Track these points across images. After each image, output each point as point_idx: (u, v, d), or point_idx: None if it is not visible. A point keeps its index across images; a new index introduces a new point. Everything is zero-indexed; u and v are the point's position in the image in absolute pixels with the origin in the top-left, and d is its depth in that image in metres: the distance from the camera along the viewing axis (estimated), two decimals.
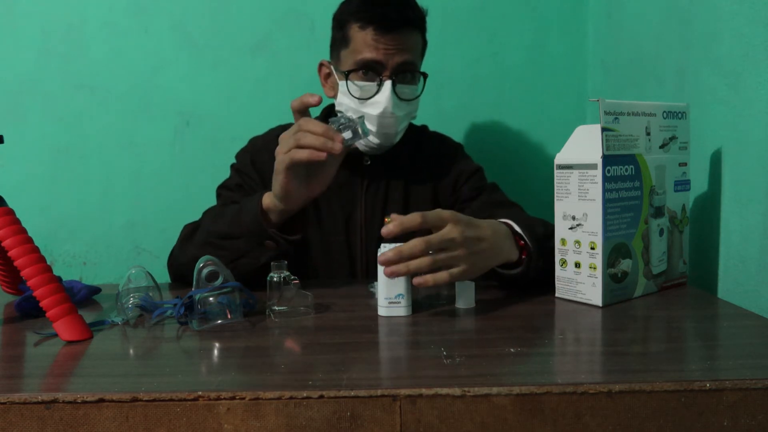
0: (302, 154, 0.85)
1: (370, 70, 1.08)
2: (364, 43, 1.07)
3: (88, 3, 1.45)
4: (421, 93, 1.14)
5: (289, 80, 1.48)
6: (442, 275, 0.79)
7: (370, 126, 1.09)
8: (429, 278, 0.79)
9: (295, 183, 0.90)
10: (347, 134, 0.84)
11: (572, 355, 0.67)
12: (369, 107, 1.08)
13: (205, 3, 1.46)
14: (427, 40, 1.17)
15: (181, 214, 1.45)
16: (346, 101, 1.11)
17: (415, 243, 0.78)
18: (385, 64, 1.07)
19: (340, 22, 1.12)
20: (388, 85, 1.07)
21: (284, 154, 0.88)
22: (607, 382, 0.56)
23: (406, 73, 1.10)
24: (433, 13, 1.46)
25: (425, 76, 1.14)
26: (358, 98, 1.09)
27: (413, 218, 0.79)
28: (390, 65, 1.07)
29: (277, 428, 0.55)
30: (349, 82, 1.09)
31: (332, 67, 1.15)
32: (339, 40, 1.12)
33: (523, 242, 0.90)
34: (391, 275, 0.78)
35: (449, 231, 0.80)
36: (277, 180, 0.90)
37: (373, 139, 1.11)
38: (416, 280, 0.79)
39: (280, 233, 0.95)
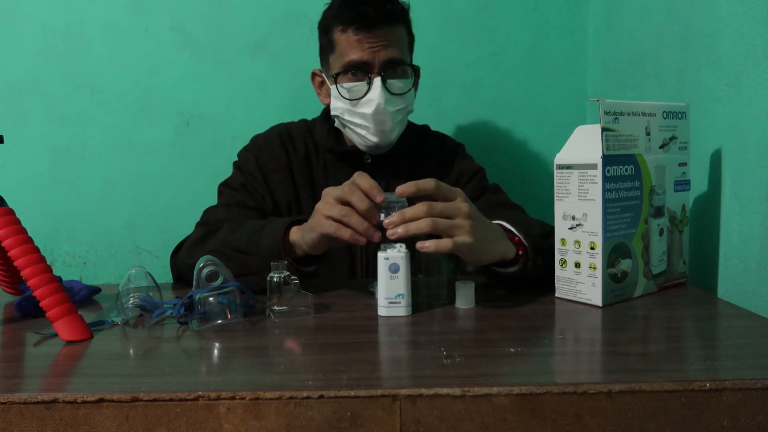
0: (345, 235, 0.82)
1: (359, 70, 1.08)
2: (348, 44, 1.08)
3: (88, 3, 1.44)
4: (414, 86, 1.14)
5: (289, 80, 1.48)
6: (445, 242, 0.79)
7: (366, 123, 1.09)
8: (430, 244, 0.78)
9: (326, 241, 0.88)
10: (381, 216, 0.83)
11: (572, 355, 0.67)
12: (362, 107, 1.08)
13: (205, 3, 1.46)
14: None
15: (181, 214, 1.47)
16: (339, 105, 1.11)
17: (419, 206, 0.79)
18: (372, 62, 1.07)
19: (324, 29, 1.13)
20: (377, 82, 1.07)
21: (326, 218, 0.84)
22: (607, 382, 0.56)
23: (395, 68, 1.09)
24: (433, 13, 1.47)
25: (415, 68, 1.14)
26: (350, 99, 1.09)
27: (428, 182, 0.80)
28: (377, 62, 1.07)
29: (277, 428, 0.55)
30: (339, 85, 1.09)
31: (324, 75, 1.16)
32: (326, 46, 1.13)
33: (517, 238, 0.90)
34: (391, 236, 0.79)
35: (458, 202, 0.81)
36: (310, 236, 0.87)
37: (370, 137, 1.11)
38: (418, 245, 0.79)
39: (296, 264, 0.93)
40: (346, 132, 1.15)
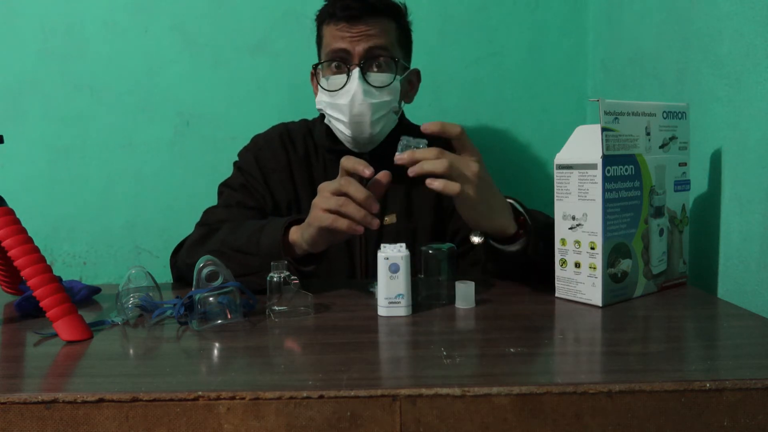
0: (342, 225, 0.83)
1: (341, 62, 1.08)
2: (331, 36, 1.09)
3: (88, 3, 1.44)
4: (414, 88, 1.14)
5: (289, 80, 1.48)
6: (454, 185, 0.80)
7: (342, 116, 1.08)
8: (440, 182, 0.80)
9: (325, 235, 0.88)
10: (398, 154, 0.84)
11: (572, 355, 0.67)
12: (340, 98, 1.07)
13: (205, 3, 1.46)
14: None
15: (181, 214, 1.47)
16: (323, 98, 1.10)
17: (431, 149, 0.81)
18: (351, 52, 1.07)
19: (317, 25, 1.15)
20: (355, 72, 1.06)
21: (323, 212, 0.84)
22: (607, 382, 0.56)
23: (377, 59, 1.08)
24: (433, 13, 1.47)
25: (397, 61, 1.10)
26: (329, 91, 1.09)
27: (455, 126, 0.82)
28: (357, 53, 1.07)
29: (277, 428, 0.55)
30: (322, 77, 1.10)
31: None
32: (318, 42, 1.16)
33: (522, 218, 0.91)
34: (410, 172, 0.81)
35: (473, 161, 0.83)
36: (309, 232, 0.88)
37: (345, 131, 1.09)
38: (427, 181, 0.80)
39: (296, 263, 0.93)
40: (331, 127, 1.14)
